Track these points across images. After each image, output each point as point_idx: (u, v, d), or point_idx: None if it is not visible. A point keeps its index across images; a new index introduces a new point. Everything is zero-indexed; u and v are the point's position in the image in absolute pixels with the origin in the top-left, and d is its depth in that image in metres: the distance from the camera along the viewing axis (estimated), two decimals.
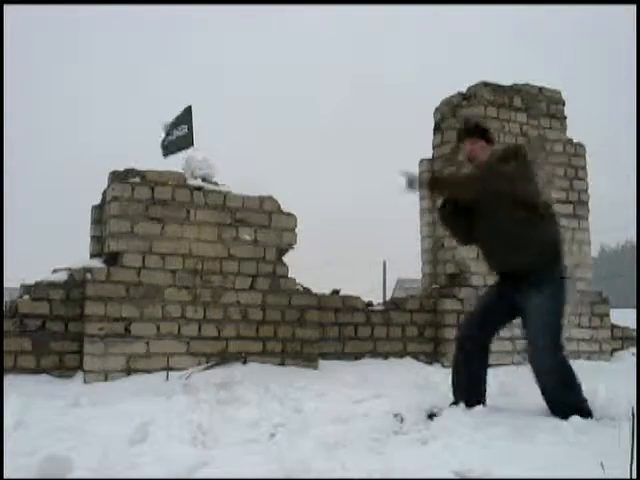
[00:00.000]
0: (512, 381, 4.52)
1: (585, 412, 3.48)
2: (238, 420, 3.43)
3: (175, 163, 5.71)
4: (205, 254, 5.31)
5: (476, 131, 3.98)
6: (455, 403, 3.72)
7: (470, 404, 3.64)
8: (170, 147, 5.88)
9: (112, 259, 5.14)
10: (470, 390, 3.75)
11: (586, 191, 6.99)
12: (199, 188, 5.38)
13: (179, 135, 5.82)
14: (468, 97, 6.69)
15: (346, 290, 6.17)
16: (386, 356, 5.99)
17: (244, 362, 5.25)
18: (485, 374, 3.83)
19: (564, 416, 3.38)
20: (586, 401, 3.59)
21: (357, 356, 5.90)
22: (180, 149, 5.81)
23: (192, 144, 5.78)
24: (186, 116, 5.84)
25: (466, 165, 4.08)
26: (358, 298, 6.14)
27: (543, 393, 3.64)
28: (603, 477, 2.23)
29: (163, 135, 5.96)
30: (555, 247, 3.77)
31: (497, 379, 4.57)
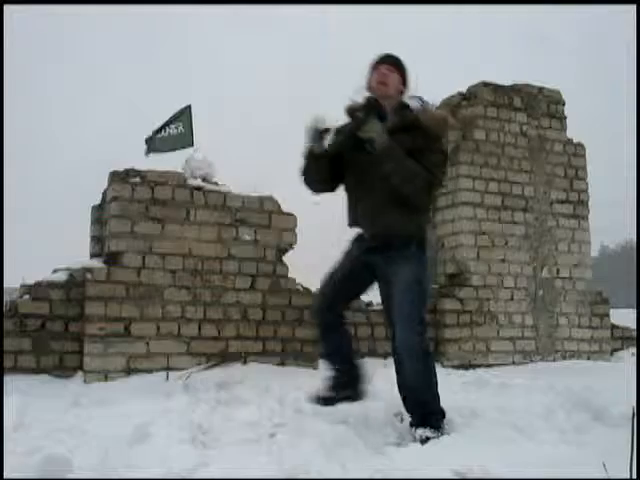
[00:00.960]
0: (512, 381, 4.52)
1: (439, 415, 3.22)
2: (238, 420, 3.43)
3: (175, 163, 5.71)
4: (205, 254, 5.31)
5: (395, 62, 3.41)
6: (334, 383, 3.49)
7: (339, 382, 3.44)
8: (162, 145, 5.82)
9: (112, 259, 5.14)
10: (336, 363, 3.49)
11: (586, 191, 6.99)
12: (199, 188, 5.38)
13: (173, 134, 5.80)
14: (468, 97, 6.69)
15: None
16: (386, 356, 5.98)
17: (244, 362, 5.25)
18: (349, 348, 3.56)
19: (416, 411, 3.19)
20: (439, 402, 3.28)
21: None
22: (175, 149, 5.78)
23: (192, 144, 5.78)
24: (184, 115, 5.83)
25: (366, 92, 3.42)
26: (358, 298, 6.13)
27: (402, 378, 3.31)
28: (603, 477, 2.23)
29: (151, 132, 5.88)
30: (426, 223, 3.44)
31: (497, 379, 4.58)
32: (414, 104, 3.32)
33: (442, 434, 3.10)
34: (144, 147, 5.83)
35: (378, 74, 3.33)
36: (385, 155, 3.16)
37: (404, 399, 3.32)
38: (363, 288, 3.53)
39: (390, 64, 3.36)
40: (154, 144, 5.80)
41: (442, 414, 3.26)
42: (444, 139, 3.42)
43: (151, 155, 5.82)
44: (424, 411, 3.20)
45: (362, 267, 3.39)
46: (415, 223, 3.28)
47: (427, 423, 3.14)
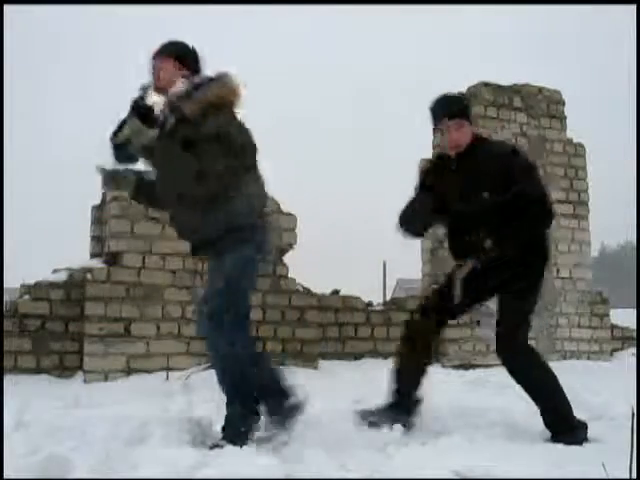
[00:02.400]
0: (511, 381, 4.51)
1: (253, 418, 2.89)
2: None
3: None
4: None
5: (163, 51, 3.00)
6: None
7: None
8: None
9: (112, 259, 5.14)
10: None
11: (586, 191, 6.99)
12: None
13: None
14: (468, 97, 6.69)
15: (346, 290, 6.18)
16: (386, 356, 5.98)
17: None
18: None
19: (233, 412, 2.87)
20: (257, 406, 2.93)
21: (357, 356, 5.90)
22: None
23: None
24: None
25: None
26: (358, 298, 6.14)
27: (221, 381, 2.95)
28: (603, 477, 2.22)
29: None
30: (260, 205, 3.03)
31: (497, 379, 4.57)
32: (178, 89, 2.87)
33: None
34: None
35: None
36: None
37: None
38: None
39: (159, 56, 2.99)
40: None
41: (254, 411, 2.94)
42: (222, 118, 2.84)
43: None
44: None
45: None
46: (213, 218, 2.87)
47: None
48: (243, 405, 2.89)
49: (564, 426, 3.06)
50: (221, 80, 2.88)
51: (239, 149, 2.88)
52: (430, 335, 3.35)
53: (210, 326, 2.89)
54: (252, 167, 2.96)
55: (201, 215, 2.87)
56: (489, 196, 3.09)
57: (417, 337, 3.33)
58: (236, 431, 2.82)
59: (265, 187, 3.05)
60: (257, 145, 2.97)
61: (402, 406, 3.29)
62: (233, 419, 2.88)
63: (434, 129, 3.43)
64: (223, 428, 2.89)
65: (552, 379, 3.18)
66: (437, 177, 3.29)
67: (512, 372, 3.21)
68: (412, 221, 3.33)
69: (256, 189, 2.98)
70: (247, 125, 2.94)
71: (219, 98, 2.84)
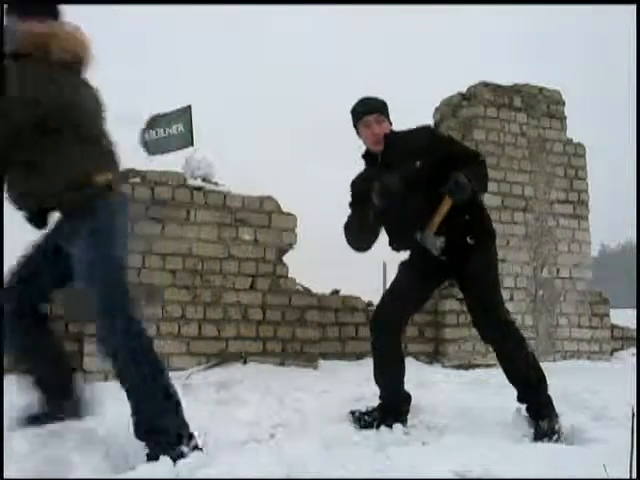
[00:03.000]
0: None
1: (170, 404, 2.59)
2: (238, 420, 3.43)
3: (175, 163, 5.72)
4: (205, 254, 5.31)
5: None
6: None
7: None
8: (162, 146, 5.84)
9: None
10: None
11: (586, 191, 6.99)
12: (199, 188, 5.39)
13: (173, 134, 5.80)
14: (468, 97, 6.69)
15: (346, 290, 6.17)
16: None
17: (244, 362, 5.25)
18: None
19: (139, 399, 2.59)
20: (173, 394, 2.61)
21: (358, 356, 5.89)
22: (175, 149, 5.79)
23: (192, 144, 5.78)
24: (185, 115, 5.84)
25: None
26: (358, 298, 6.14)
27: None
28: (603, 477, 2.22)
29: (150, 132, 5.89)
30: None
31: (497, 379, 4.57)
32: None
33: None
34: (141, 142, 5.84)
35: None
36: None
37: None
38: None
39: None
40: (154, 145, 5.80)
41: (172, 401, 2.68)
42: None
43: (151, 156, 5.83)
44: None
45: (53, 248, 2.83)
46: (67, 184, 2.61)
47: None
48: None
49: (548, 409, 3.14)
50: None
51: None
52: (399, 346, 3.41)
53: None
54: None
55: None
56: (420, 165, 3.18)
57: (388, 353, 3.36)
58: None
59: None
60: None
61: (393, 405, 3.34)
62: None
63: (357, 131, 3.38)
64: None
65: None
66: (365, 181, 3.29)
67: (506, 348, 3.22)
68: (358, 239, 3.35)
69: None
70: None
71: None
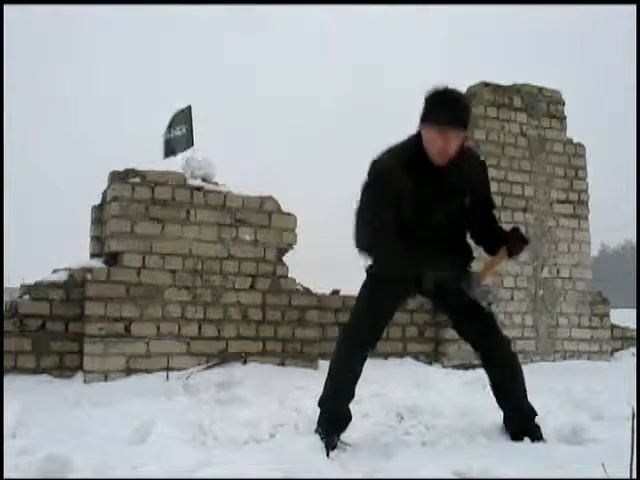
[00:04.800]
0: None
1: None
2: (238, 420, 3.43)
3: (175, 163, 5.72)
4: (205, 254, 5.31)
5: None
6: None
7: None
8: (169, 147, 5.87)
9: (112, 259, 5.14)
10: None
11: (586, 191, 6.99)
12: (199, 188, 5.39)
13: (177, 135, 5.82)
14: (468, 97, 6.69)
15: (346, 290, 6.17)
16: (386, 356, 5.98)
17: (244, 362, 5.25)
18: None
19: None
20: None
21: None
22: (179, 150, 5.80)
23: (192, 144, 5.79)
24: (185, 116, 5.84)
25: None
26: None
27: None
28: (603, 477, 2.22)
29: (166, 135, 5.95)
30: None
31: None
32: None
33: None
34: (162, 149, 5.88)
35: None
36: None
37: None
38: None
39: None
40: (170, 147, 5.85)
41: None
42: None
43: (166, 158, 5.88)
44: None
45: None
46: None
47: None
48: None
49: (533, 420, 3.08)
50: None
51: None
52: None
53: None
54: None
55: None
56: (469, 203, 3.01)
57: (358, 367, 3.17)
58: None
59: None
60: None
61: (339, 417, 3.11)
62: None
63: (422, 124, 2.88)
64: None
65: None
66: (408, 184, 2.87)
67: (511, 359, 3.16)
68: (404, 260, 2.92)
69: None
70: None
71: None
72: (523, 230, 3.02)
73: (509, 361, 3.15)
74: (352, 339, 3.16)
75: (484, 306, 3.19)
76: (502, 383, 3.13)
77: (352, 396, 3.14)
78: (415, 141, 2.93)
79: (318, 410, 3.13)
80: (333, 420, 3.04)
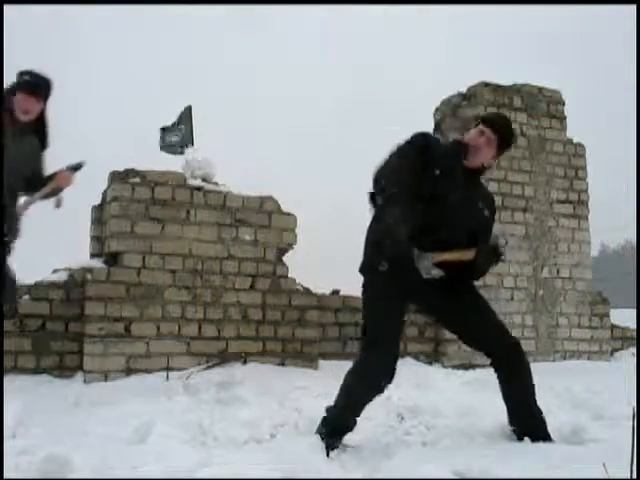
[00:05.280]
0: None
1: None
2: (238, 420, 3.43)
3: (175, 163, 5.72)
4: (205, 254, 5.31)
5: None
6: None
7: None
8: (171, 147, 5.88)
9: (112, 259, 5.14)
10: None
11: (586, 191, 6.99)
12: (199, 188, 5.38)
13: (178, 135, 5.83)
14: (468, 97, 6.69)
15: (346, 290, 6.17)
16: None
17: (244, 362, 5.25)
18: None
19: None
20: None
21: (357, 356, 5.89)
22: (179, 150, 5.81)
23: (192, 144, 5.79)
24: (185, 116, 5.85)
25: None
26: (358, 298, 6.12)
27: None
28: (603, 477, 2.22)
29: (164, 136, 5.95)
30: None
31: (495, 379, 4.56)
32: None
33: None
34: (160, 137, 5.89)
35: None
36: None
37: None
38: None
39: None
40: (172, 147, 5.86)
41: None
42: None
43: (163, 152, 5.89)
44: None
45: None
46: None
47: None
48: None
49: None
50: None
51: None
52: None
53: None
54: None
55: None
56: (490, 215, 3.18)
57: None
58: None
59: None
60: None
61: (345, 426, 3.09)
62: None
63: (476, 126, 3.13)
64: None
65: None
66: (438, 165, 2.93)
67: (525, 368, 3.12)
68: (405, 214, 2.87)
69: None
70: None
71: None
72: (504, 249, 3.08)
73: (524, 378, 3.11)
74: (377, 356, 3.12)
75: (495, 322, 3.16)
76: (516, 399, 3.11)
77: (361, 413, 3.09)
78: (457, 146, 3.11)
79: (323, 411, 3.10)
80: (337, 428, 3.02)
